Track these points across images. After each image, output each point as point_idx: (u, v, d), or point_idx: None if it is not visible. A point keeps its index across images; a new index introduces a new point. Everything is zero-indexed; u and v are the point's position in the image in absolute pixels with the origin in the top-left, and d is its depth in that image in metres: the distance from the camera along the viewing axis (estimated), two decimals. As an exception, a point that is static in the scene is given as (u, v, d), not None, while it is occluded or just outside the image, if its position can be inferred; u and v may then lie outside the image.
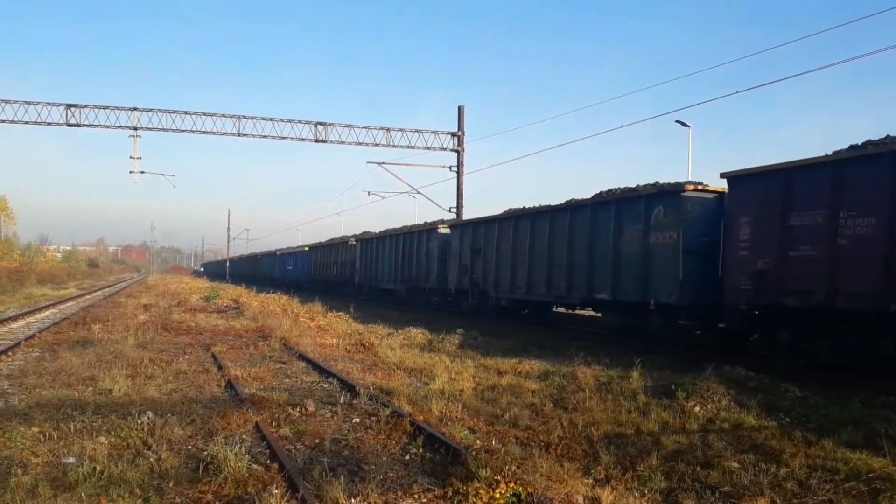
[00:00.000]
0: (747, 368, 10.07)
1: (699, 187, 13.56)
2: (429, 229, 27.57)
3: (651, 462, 6.30)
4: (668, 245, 13.68)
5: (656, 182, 14.96)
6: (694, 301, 13.25)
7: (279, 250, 63.65)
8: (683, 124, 30.30)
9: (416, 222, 31.77)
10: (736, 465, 6.17)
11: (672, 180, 14.78)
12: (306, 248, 50.98)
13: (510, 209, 21.44)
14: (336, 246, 42.50)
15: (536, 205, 19.60)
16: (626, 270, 14.94)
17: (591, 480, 5.92)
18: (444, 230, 26.18)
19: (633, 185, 15.69)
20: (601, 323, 18.26)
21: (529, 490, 5.17)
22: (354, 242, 37.50)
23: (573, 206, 17.27)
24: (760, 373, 9.89)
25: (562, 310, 21.09)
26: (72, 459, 5.90)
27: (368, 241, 35.33)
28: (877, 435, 6.90)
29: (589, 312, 19.91)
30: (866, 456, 6.25)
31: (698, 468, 6.15)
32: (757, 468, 6.03)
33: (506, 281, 20.26)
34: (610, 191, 16.37)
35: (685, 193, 13.51)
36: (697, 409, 8.16)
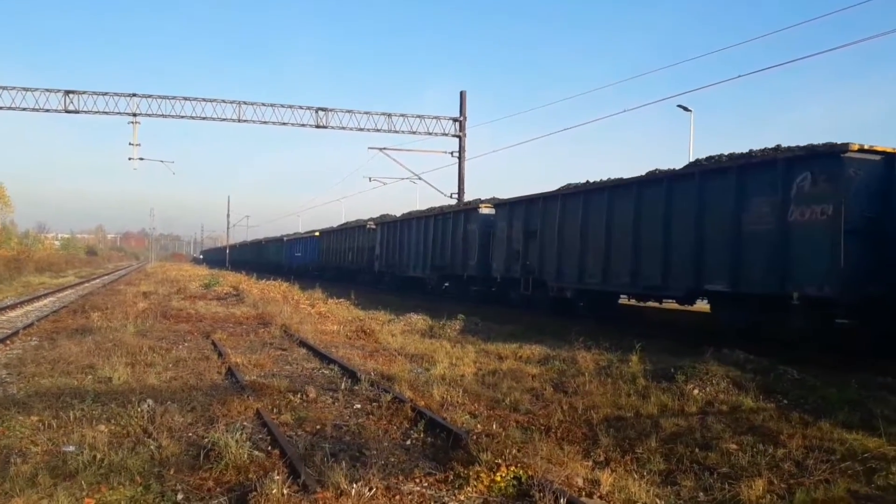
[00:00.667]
0: (746, 352, 10.09)
1: (865, 147, 10.70)
2: (467, 209, 24.70)
3: (650, 444, 6.33)
4: (820, 223, 10.81)
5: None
6: (858, 294, 10.48)
7: (286, 236, 60.38)
8: (685, 109, 30.26)
9: (419, 208, 31.75)
10: (734, 446, 6.20)
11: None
12: (317, 234, 47.99)
13: (570, 184, 18.94)
14: (351, 230, 39.40)
15: (598, 179, 17.45)
16: (754, 254, 12.00)
17: (590, 463, 5.95)
18: (486, 210, 23.07)
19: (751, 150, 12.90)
20: (709, 322, 15.07)
21: (530, 473, 5.20)
22: (374, 226, 34.22)
23: (672, 177, 14.39)
24: (760, 356, 9.92)
25: (630, 301, 18.79)
26: (71, 448, 5.91)
27: (391, 225, 31.76)
28: (873, 416, 6.93)
29: (672, 306, 17.25)
30: (862, 436, 6.28)
31: (697, 450, 6.17)
32: (755, 449, 6.05)
33: (572, 268, 17.40)
34: (730, 155, 13.55)
35: (848, 154, 10.59)
36: (696, 391, 8.18)
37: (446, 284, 26.96)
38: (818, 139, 12.04)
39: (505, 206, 21.53)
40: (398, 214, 33.10)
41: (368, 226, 35.12)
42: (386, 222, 32.65)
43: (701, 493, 5.24)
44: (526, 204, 19.92)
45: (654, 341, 12.66)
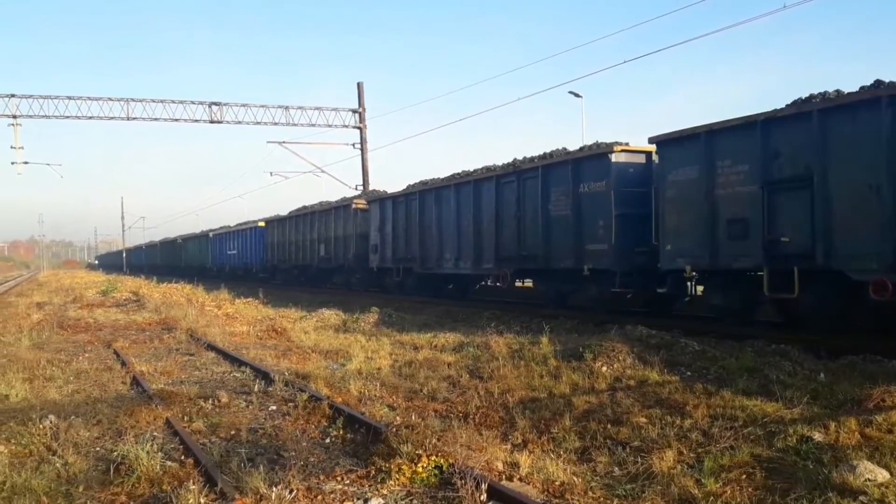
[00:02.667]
0: (648, 327, 10.52)
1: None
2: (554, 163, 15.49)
3: (565, 423, 6.52)
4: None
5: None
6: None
7: (213, 231, 47.16)
8: (576, 95, 31.09)
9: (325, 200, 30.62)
10: (644, 420, 6.46)
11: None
12: (261, 224, 36.56)
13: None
14: (321, 214, 28.36)
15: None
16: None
17: (509, 446, 6.07)
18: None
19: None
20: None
21: (451, 461, 5.26)
22: (364, 205, 24.90)
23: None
24: (661, 330, 10.37)
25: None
26: (-32, 473, 5.56)
27: (405, 200, 21.56)
28: (769, 381, 7.39)
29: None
30: (761, 402, 6.67)
31: (609, 426, 6.40)
32: (663, 422, 6.33)
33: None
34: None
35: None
36: (605, 369, 8.47)
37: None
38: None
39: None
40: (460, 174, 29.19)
41: (354, 205, 25.34)
42: (396, 197, 22.29)
43: (616, 468, 5.44)
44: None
45: (560, 321, 13.04)
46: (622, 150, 13.44)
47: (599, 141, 14.27)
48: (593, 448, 5.94)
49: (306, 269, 30.65)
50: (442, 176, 20.20)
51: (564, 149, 15.63)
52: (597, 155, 13.81)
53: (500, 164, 17.58)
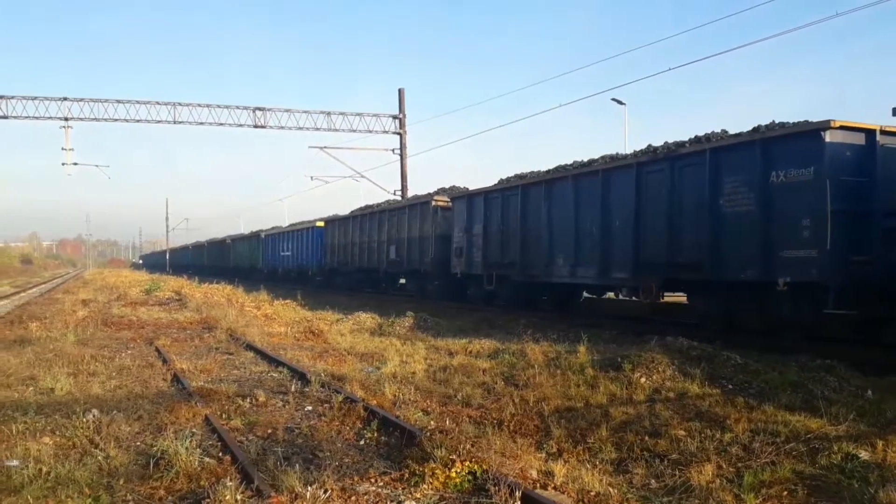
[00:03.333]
0: (689, 338, 10.35)
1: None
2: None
3: (601, 434, 6.45)
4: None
5: None
6: None
7: (265, 231, 45.05)
8: (619, 102, 30.84)
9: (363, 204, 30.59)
10: (683, 432, 6.36)
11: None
12: (319, 224, 33.93)
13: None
14: (389, 214, 25.78)
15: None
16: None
17: (544, 455, 6.03)
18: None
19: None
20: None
21: (484, 467, 5.23)
22: (446, 203, 21.99)
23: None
24: (702, 342, 10.19)
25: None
26: (15, 462, 5.71)
27: (501, 195, 18.77)
28: (813, 397, 7.22)
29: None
30: (805, 417, 6.52)
31: (647, 437, 6.31)
32: (703, 435, 6.22)
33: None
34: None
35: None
36: (643, 380, 8.36)
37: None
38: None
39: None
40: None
41: (435, 203, 22.53)
42: (495, 191, 19.26)
43: (653, 480, 5.36)
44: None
45: (599, 331, 12.91)
46: (839, 127, 10.24)
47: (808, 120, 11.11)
48: (630, 459, 5.86)
49: (371, 273, 27.71)
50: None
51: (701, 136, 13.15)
52: (802, 133, 10.66)
53: (637, 149, 14.78)
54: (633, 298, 15.53)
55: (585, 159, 16.49)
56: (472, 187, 20.89)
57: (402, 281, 27.77)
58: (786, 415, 6.66)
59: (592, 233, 14.85)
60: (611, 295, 17.83)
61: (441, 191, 23.71)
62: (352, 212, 30.84)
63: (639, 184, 13.72)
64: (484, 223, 19.16)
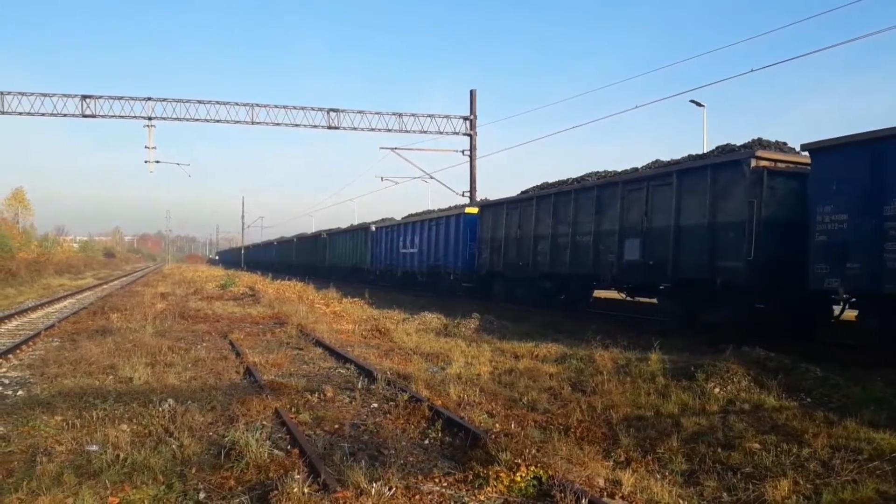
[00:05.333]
0: (766, 349, 9.99)
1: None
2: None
3: (671, 444, 6.28)
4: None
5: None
6: None
7: (375, 223, 36.36)
8: (698, 104, 30.05)
9: (430, 206, 29.60)
10: (757, 445, 6.13)
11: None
12: (471, 211, 24.83)
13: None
14: (623, 188, 15.94)
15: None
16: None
17: (611, 463, 5.91)
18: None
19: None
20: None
21: (550, 473, 5.17)
22: (790, 163, 12.60)
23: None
24: (780, 353, 9.82)
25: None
26: (95, 447, 5.95)
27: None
28: (900, 414, 6.84)
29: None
30: (889, 435, 6.19)
31: (719, 449, 6.11)
32: (779, 449, 5.99)
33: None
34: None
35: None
36: (717, 390, 8.11)
37: None
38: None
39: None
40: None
41: (755, 164, 12.29)
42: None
43: (724, 494, 5.18)
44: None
45: (671, 339, 12.58)
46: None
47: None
48: (701, 471, 5.68)
49: (581, 281, 18.49)
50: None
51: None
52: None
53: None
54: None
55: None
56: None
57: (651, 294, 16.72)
58: (869, 432, 6.34)
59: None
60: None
61: (757, 144, 13.85)
62: (525, 192, 21.69)
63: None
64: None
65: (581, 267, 17.38)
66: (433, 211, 30.52)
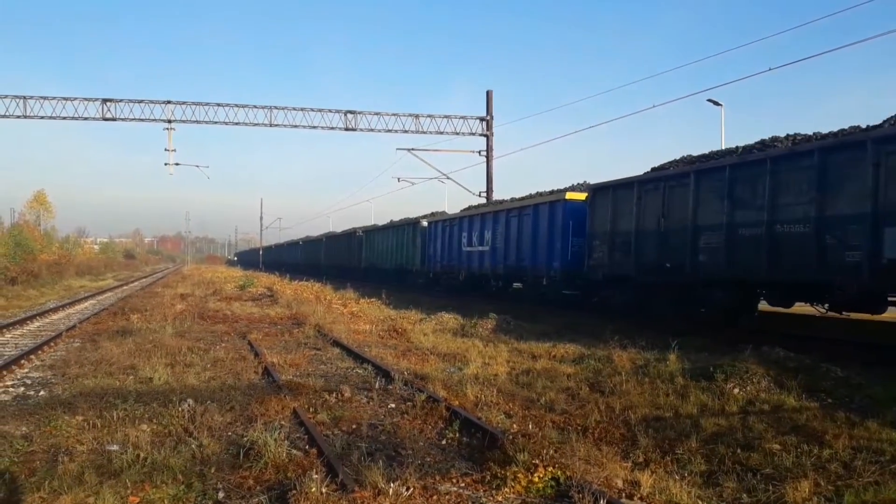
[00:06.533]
0: (786, 349, 9.91)
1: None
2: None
3: (690, 445, 6.24)
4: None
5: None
6: None
7: (426, 217, 31.47)
8: (716, 103, 29.85)
9: (446, 208, 29.13)
10: (777, 446, 6.08)
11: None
12: (573, 197, 18.94)
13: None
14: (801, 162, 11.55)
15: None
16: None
17: (630, 464, 5.87)
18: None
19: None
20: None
21: (568, 474, 5.15)
22: None
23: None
24: (800, 353, 9.73)
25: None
26: (115, 447, 6.01)
27: None
28: (924, 415, 6.75)
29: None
30: (913, 437, 6.11)
31: (739, 450, 6.06)
32: (799, 450, 5.93)
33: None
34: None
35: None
36: (737, 390, 8.05)
37: None
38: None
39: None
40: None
41: None
42: None
43: (744, 495, 5.14)
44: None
45: (689, 339, 12.50)
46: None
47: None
48: (721, 472, 5.64)
49: (787, 290, 12.85)
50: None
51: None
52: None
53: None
54: None
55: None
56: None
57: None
58: (892, 433, 6.25)
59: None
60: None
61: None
62: (667, 166, 16.28)
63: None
64: None
65: (790, 270, 11.80)
66: (505, 201, 25.41)
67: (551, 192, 21.46)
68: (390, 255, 35.19)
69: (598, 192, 17.60)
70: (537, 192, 23.25)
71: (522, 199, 23.08)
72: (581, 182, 21.06)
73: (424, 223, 30.71)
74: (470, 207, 27.99)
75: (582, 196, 18.66)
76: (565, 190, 19.95)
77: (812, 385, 8.22)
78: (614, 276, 16.70)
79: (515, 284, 23.71)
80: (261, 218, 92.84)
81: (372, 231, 40.29)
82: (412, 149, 34.64)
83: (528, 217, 20.75)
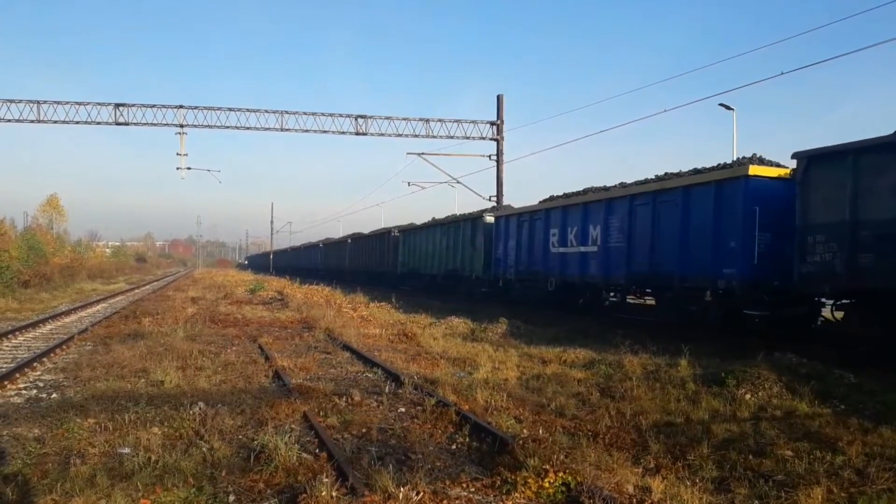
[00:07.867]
0: (798, 355, 9.84)
1: None
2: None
3: (702, 450, 6.21)
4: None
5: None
6: None
7: (489, 211, 26.15)
8: (727, 107, 29.70)
9: (457, 212, 29.03)
10: (790, 453, 6.04)
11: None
12: (759, 172, 12.67)
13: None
14: None
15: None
16: None
17: (640, 469, 5.85)
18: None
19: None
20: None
21: (579, 479, 5.13)
22: None
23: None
24: (812, 359, 9.66)
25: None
26: (127, 450, 6.04)
27: None
28: (938, 422, 6.69)
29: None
30: (927, 444, 6.05)
31: (750, 456, 6.03)
32: (812, 456, 5.89)
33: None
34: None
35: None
36: (748, 396, 8.00)
37: None
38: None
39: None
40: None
41: None
42: None
43: (756, 501, 5.11)
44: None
45: (701, 345, 12.44)
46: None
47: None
48: (732, 479, 5.61)
49: None
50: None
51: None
52: None
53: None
54: None
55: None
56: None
57: None
58: (906, 440, 6.20)
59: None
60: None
61: None
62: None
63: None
64: None
65: None
66: (616, 187, 18.51)
67: (714, 169, 14.77)
68: (438, 259, 29.41)
69: (819, 161, 11.28)
70: (647, 179, 17.26)
71: (657, 179, 16.81)
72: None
73: (489, 218, 24.93)
74: (554, 198, 21.51)
75: (775, 172, 12.93)
76: (745, 165, 13.23)
77: (824, 391, 8.17)
78: (856, 290, 10.77)
79: (629, 298, 18.91)
80: (271, 221, 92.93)
81: (411, 231, 34.10)
82: (422, 153, 34.60)
83: (672, 204, 14.92)
